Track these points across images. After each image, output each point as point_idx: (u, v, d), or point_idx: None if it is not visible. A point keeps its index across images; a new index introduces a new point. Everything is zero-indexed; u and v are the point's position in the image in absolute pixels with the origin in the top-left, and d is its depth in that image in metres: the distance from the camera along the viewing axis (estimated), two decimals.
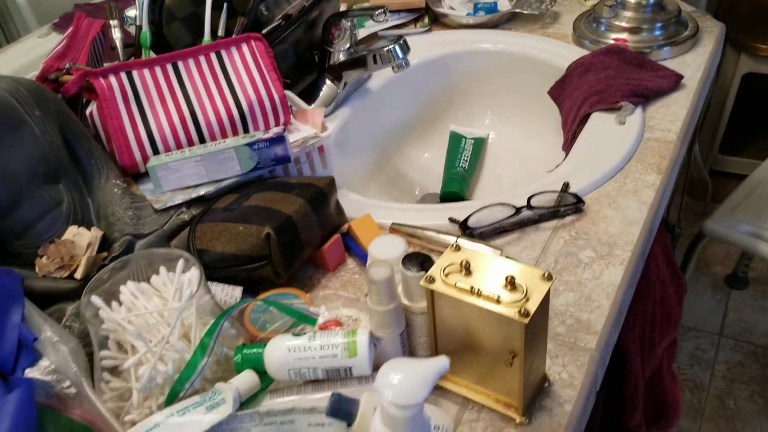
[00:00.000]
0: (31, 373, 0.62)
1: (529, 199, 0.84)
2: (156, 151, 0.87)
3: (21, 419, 0.58)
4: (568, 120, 1.07)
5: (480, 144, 1.22)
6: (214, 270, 0.75)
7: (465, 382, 0.65)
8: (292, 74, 1.07)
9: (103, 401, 0.61)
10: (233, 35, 0.97)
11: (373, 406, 0.55)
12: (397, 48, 1.00)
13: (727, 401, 1.74)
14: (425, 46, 1.25)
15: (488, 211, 0.84)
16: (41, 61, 0.96)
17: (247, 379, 0.60)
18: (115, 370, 0.63)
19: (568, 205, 0.85)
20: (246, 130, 0.92)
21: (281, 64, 0.99)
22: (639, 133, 0.98)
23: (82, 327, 0.68)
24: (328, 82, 1.08)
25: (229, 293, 0.74)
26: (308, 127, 0.94)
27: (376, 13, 1.02)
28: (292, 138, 0.91)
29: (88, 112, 0.90)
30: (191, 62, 0.91)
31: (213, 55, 0.92)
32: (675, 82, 1.07)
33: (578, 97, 1.06)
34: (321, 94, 1.08)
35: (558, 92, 1.13)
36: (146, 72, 0.89)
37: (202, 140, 0.89)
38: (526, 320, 0.54)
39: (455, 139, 1.23)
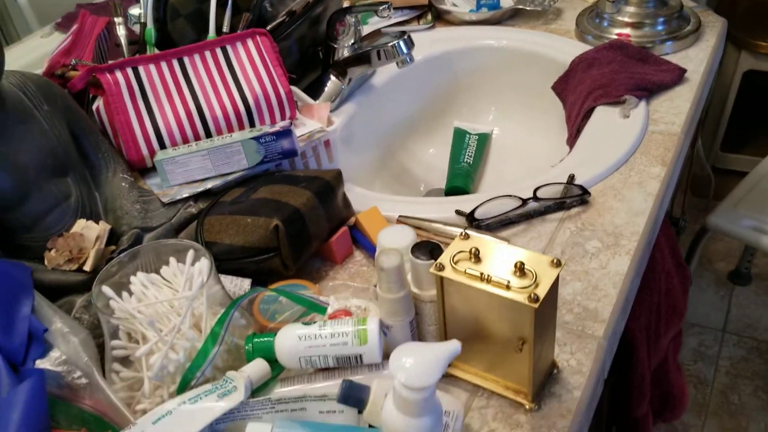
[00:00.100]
0: (41, 363, 0.62)
1: (535, 191, 0.84)
2: (163, 146, 0.87)
3: (32, 409, 0.58)
4: (572, 114, 1.07)
5: (484, 140, 1.23)
6: (223, 262, 0.75)
7: (474, 369, 0.65)
8: (297, 70, 1.07)
9: (114, 391, 0.61)
10: (238, 31, 0.98)
11: (383, 393, 0.55)
12: (401, 43, 1.00)
13: (731, 396, 1.74)
14: (428, 42, 1.26)
15: (495, 203, 0.84)
16: (45, 59, 0.96)
17: (258, 367, 0.61)
18: (125, 361, 0.63)
19: (574, 196, 0.86)
20: (252, 125, 0.92)
21: (285, 61, 1.00)
22: (643, 126, 0.98)
23: (91, 319, 0.69)
24: (332, 77, 1.08)
25: (238, 285, 0.74)
26: (314, 121, 0.95)
27: (381, 8, 1.03)
28: (298, 132, 0.91)
29: (94, 107, 0.91)
30: (197, 57, 0.91)
31: (219, 51, 0.92)
32: (678, 76, 1.08)
33: (582, 91, 1.06)
34: (325, 89, 1.08)
35: (561, 87, 1.14)
36: (152, 67, 0.89)
37: (208, 135, 0.90)
38: (536, 305, 0.55)
39: (459, 135, 1.23)
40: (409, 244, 0.67)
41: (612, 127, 0.99)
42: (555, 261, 0.58)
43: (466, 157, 1.19)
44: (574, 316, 0.71)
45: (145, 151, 0.87)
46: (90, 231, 0.76)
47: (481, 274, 0.58)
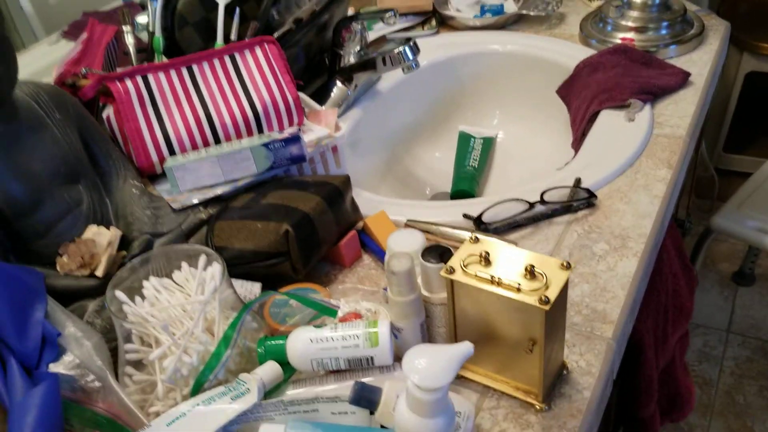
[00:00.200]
0: (55, 367, 0.63)
1: (542, 195, 0.85)
2: (172, 153, 0.88)
3: (47, 412, 0.59)
4: (577, 118, 1.08)
5: (489, 144, 1.24)
6: (233, 267, 0.76)
7: (484, 371, 0.66)
8: (303, 77, 1.08)
9: (127, 394, 0.62)
10: (246, 39, 0.98)
11: (395, 394, 0.56)
12: (407, 49, 1.01)
13: (736, 397, 1.74)
14: (433, 48, 1.27)
15: (502, 207, 0.85)
16: (54, 67, 0.97)
17: (270, 369, 0.61)
18: (138, 364, 0.64)
19: (581, 199, 0.86)
20: (260, 131, 0.93)
21: (292, 68, 1.00)
22: (648, 130, 0.99)
23: (104, 323, 0.69)
24: (338, 83, 1.09)
25: (248, 289, 0.75)
26: (321, 127, 0.95)
27: (387, 15, 1.04)
28: (306, 138, 0.92)
29: (105, 115, 0.92)
30: (206, 65, 0.92)
31: (227, 58, 0.93)
32: (683, 79, 1.08)
33: (587, 95, 1.07)
34: (332, 95, 1.09)
35: (566, 91, 1.14)
36: (162, 75, 0.90)
37: (217, 141, 0.90)
38: (547, 307, 0.55)
39: (464, 139, 1.24)
40: (418, 247, 0.68)
41: (617, 130, 0.99)
42: (565, 264, 0.59)
43: (471, 160, 1.20)
44: (582, 318, 0.71)
45: (155, 157, 0.88)
46: (101, 237, 0.77)
47: (492, 277, 0.58)
